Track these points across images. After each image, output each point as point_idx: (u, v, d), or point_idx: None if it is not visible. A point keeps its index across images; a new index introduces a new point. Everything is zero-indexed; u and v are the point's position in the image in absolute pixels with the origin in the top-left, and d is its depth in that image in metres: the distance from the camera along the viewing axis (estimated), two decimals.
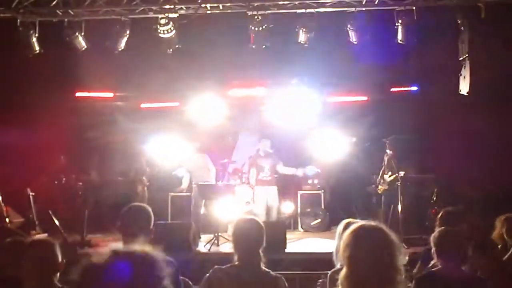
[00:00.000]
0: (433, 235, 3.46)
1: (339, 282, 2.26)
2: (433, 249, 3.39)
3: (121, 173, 9.97)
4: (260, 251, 3.31)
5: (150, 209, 3.50)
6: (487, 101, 8.34)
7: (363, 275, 2.18)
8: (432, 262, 3.51)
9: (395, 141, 9.18)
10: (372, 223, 2.40)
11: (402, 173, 8.43)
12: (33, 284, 2.93)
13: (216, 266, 3.33)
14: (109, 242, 8.22)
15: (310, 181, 10.79)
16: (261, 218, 9.08)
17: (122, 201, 9.61)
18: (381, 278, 2.16)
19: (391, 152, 9.18)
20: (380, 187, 9.35)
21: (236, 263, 3.29)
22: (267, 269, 3.30)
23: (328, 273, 3.48)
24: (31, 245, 3.09)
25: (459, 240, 3.33)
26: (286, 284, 3.32)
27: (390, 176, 9.05)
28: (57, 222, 7.75)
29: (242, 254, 3.29)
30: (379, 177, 9.39)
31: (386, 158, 9.29)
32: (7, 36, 8.09)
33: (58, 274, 3.01)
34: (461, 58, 7.89)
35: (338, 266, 3.28)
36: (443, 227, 3.55)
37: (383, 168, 9.36)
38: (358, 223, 2.41)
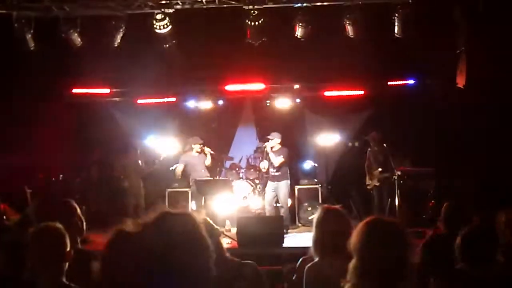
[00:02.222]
0: (461, 233, 3.24)
1: (348, 273, 2.24)
2: (457, 247, 3.22)
3: (113, 169, 10.00)
4: (220, 241, 3.27)
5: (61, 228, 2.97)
6: (485, 94, 8.33)
7: (373, 268, 2.15)
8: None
9: (378, 137, 9.19)
10: (386, 217, 2.42)
11: (398, 173, 8.45)
12: (41, 274, 2.77)
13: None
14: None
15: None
16: (267, 213, 9.08)
17: (114, 198, 9.70)
18: (391, 272, 2.14)
19: (376, 148, 9.20)
20: (370, 182, 9.35)
21: None
22: (234, 258, 3.22)
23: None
24: (40, 231, 2.89)
25: (489, 237, 3.21)
26: (258, 271, 3.22)
27: (381, 173, 9.06)
28: None
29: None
30: (366, 173, 9.40)
31: (371, 154, 9.31)
32: (2, 32, 8.05)
33: (66, 265, 2.82)
34: (458, 51, 7.89)
35: (316, 259, 3.17)
36: (473, 224, 3.38)
37: (367, 164, 9.37)
38: (373, 217, 2.36)
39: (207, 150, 9.51)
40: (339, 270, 2.97)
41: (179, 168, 9.56)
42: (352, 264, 2.24)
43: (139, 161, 9.46)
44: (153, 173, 9.84)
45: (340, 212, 3.27)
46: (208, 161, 9.55)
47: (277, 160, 9.06)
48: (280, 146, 9.18)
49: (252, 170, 10.48)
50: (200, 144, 9.48)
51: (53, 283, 2.77)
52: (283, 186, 9.17)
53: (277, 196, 9.21)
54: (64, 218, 3.19)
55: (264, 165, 9.45)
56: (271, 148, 9.12)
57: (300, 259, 3.47)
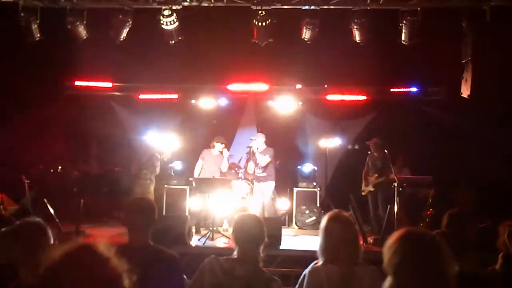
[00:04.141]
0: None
1: None
2: None
3: (120, 165, 9.97)
4: (261, 248, 3.26)
5: (153, 201, 3.47)
6: (488, 104, 8.34)
7: (414, 286, 2.01)
8: None
9: (380, 143, 9.18)
10: (421, 229, 2.26)
11: (395, 178, 8.45)
12: (27, 267, 2.79)
13: (213, 255, 3.28)
14: (104, 232, 8.21)
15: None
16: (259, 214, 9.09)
17: (119, 193, 9.67)
18: None
19: (375, 154, 9.20)
20: (365, 188, 9.35)
21: (235, 256, 3.26)
22: (263, 268, 3.25)
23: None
24: (20, 226, 2.99)
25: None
26: None
27: (377, 178, 9.06)
28: (52, 211, 7.69)
29: (242, 249, 3.26)
30: (363, 179, 9.41)
31: (370, 160, 9.31)
32: (8, 21, 8.03)
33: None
34: (463, 61, 7.87)
35: (319, 263, 3.18)
36: (443, 229, 3.39)
37: (365, 170, 9.36)
38: (406, 228, 2.19)
39: (226, 153, 9.49)
40: (336, 276, 3.05)
41: (198, 165, 9.56)
42: (388, 283, 2.08)
43: (153, 159, 9.46)
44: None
45: (347, 219, 3.25)
46: (224, 166, 9.53)
47: (264, 160, 9.11)
48: (265, 146, 9.24)
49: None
50: (222, 144, 9.48)
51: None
52: (268, 187, 9.22)
53: (262, 197, 9.25)
54: (147, 213, 3.27)
55: (250, 167, 9.48)
56: (257, 148, 9.16)
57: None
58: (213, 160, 9.50)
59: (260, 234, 3.30)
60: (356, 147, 11.19)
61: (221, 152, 9.51)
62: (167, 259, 3.20)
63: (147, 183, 9.40)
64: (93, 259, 1.54)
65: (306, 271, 3.21)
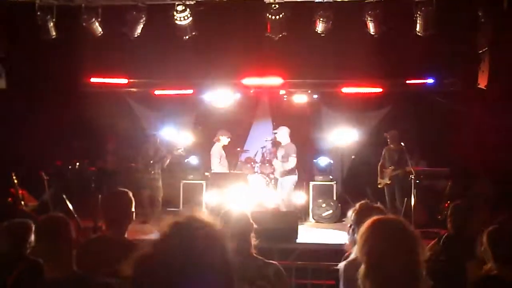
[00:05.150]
0: (488, 234, 3.17)
1: (359, 281, 2.09)
2: (486, 248, 3.14)
3: (131, 160, 10.06)
4: (251, 238, 3.27)
5: (130, 193, 3.46)
6: (506, 95, 8.22)
7: (386, 272, 2.00)
8: (487, 266, 3.18)
9: (397, 135, 9.14)
10: (390, 216, 2.26)
11: (412, 171, 8.40)
12: (50, 261, 2.87)
13: None
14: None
15: None
16: (279, 208, 9.14)
17: (132, 188, 9.72)
18: (406, 275, 1.99)
19: (392, 146, 9.16)
20: (381, 181, 9.31)
21: None
22: (259, 256, 3.26)
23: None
24: (44, 221, 3.05)
25: None
26: (281, 272, 3.22)
27: (393, 170, 9.01)
28: (71, 207, 7.79)
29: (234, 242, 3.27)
30: (378, 172, 9.37)
31: (386, 153, 9.26)
32: (25, 20, 8.14)
33: (74, 252, 2.94)
34: (480, 51, 7.77)
35: (352, 255, 3.10)
36: (498, 225, 3.26)
37: (381, 163, 9.33)
38: (375, 217, 2.20)
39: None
40: None
41: (216, 161, 9.61)
42: (361, 271, 2.09)
43: (160, 151, 9.52)
44: (168, 164, 9.87)
45: (382, 210, 3.20)
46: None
47: (290, 162, 9.13)
48: (289, 140, 9.23)
49: (267, 164, 10.46)
50: (228, 138, 9.56)
51: (64, 270, 2.83)
52: (287, 181, 9.23)
53: (282, 191, 9.30)
54: (123, 208, 3.30)
55: (277, 164, 9.54)
56: (279, 143, 9.24)
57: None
58: (223, 154, 9.60)
59: (245, 225, 3.31)
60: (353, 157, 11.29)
61: (224, 146, 9.60)
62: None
63: (156, 178, 9.48)
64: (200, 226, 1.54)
65: (341, 267, 3.13)
